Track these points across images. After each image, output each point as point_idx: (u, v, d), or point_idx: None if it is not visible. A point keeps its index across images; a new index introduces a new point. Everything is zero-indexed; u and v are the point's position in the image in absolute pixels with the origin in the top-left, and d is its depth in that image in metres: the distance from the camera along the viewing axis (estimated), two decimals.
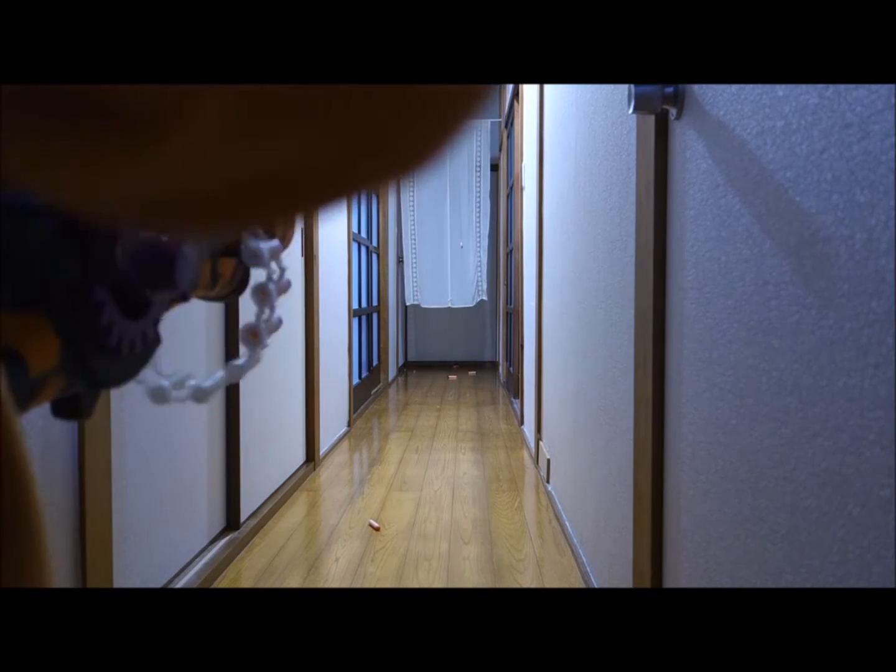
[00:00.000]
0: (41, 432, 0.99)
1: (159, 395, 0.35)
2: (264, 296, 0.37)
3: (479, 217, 5.67)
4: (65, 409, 0.23)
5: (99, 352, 0.22)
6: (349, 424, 3.45)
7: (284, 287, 0.38)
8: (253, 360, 0.37)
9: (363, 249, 4.21)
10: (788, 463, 0.59)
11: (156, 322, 0.26)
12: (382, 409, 4.12)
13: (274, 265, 0.36)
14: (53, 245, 0.20)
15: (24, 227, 0.20)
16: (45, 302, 0.20)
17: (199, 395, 0.36)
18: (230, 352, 1.79)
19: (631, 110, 0.87)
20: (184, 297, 0.27)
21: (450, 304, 5.79)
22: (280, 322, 0.38)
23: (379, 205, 4.86)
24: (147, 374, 0.35)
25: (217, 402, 1.76)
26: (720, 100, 0.76)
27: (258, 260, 0.35)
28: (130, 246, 0.22)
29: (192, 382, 0.37)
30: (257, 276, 0.37)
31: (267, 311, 0.38)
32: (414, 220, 5.69)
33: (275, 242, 0.36)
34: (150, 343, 0.26)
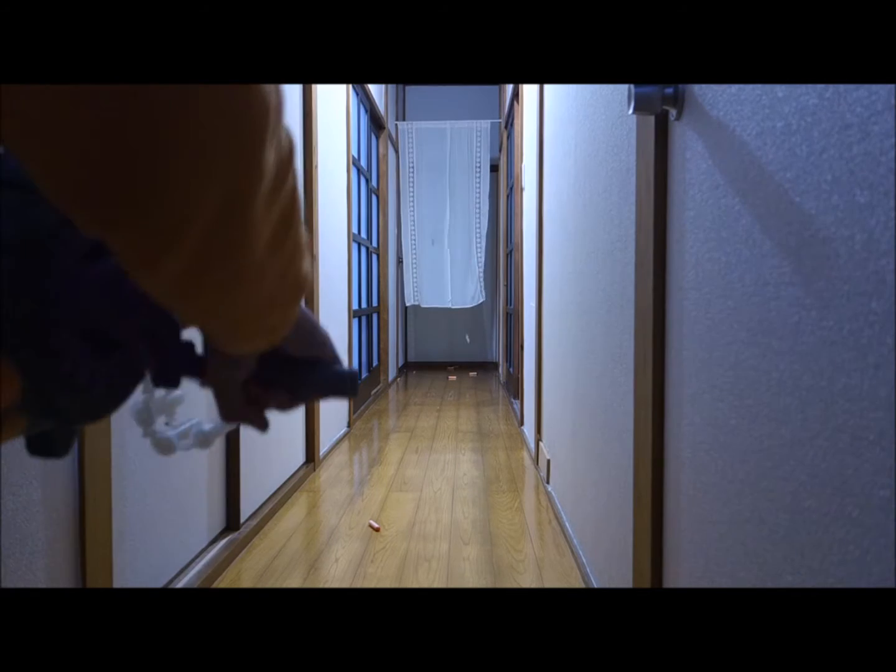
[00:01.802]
0: None
1: (165, 446, 0.35)
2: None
3: (479, 217, 5.66)
4: (38, 447, 0.22)
5: (62, 389, 0.21)
6: (349, 425, 3.45)
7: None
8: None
9: (363, 250, 4.20)
10: (788, 463, 0.59)
11: (131, 360, 0.25)
12: (382, 409, 4.12)
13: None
14: (10, 282, 0.19)
15: None
16: (4, 339, 0.19)
17: (203, 441, 0.36)
18: None
19: (631, 111, 0.87)
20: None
21: (450, 305, 5.79)
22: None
23: (379, 205, 4.86)
24: (157, 425, 0.34)
25: None
26: (720, 100, 0.76)
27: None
28: (92, 282, 0.21)
29: (195, 429, 0.36)
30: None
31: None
32: (414, 220, 5.68)
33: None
34: (127, 379, 0.25)
